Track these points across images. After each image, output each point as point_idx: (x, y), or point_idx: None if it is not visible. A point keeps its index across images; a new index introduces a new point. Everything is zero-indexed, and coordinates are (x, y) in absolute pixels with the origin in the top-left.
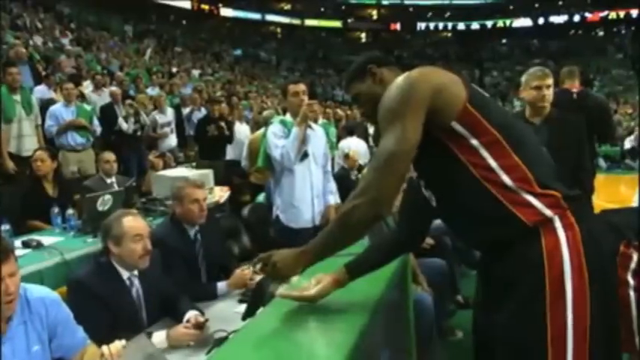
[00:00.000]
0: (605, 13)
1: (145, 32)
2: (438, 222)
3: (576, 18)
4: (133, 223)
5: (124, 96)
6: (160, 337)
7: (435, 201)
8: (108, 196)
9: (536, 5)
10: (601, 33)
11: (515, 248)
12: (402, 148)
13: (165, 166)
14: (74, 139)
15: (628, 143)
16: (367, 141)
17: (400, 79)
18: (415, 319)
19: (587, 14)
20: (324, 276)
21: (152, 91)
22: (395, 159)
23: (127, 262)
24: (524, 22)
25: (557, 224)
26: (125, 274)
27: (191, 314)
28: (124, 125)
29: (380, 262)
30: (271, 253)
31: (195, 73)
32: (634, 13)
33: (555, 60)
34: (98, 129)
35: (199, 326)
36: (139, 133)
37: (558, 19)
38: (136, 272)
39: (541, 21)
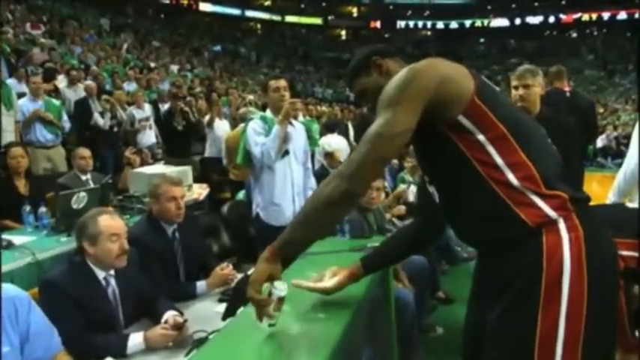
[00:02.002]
0: (579, 15)
1: (122, 26)
2: None
3: (551, 19)
4: (110, 222)
5: (100, 91)
6: (137, 338)
7: (437, 197)
8: (83, 194)
9: (513, 6)
10: (574, 34)
11: (515, 247)
12: (388, 131)
13: (143, 163)
14: (43, 135)
15: (600, 142)
16: (348, 138)
17: (405, 69)
18: (396, 316)
19: (561, 15)
20: (339, 269)
21: (129, 86)
22: (378, 141)
23: (103, 262)
24: (501, 22)
25: (561, 225)
26: (101, 274)
27: (169, 315)
28: (100, 121)
29: (396, 258)
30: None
31: (174, 68)
32: (605, 15)
33: (531, 60)
34: (67, 125)
35: (178, 327)
36: (115, 129)
37: (534, 19)
38: (112, 272)
39: (517, 21)
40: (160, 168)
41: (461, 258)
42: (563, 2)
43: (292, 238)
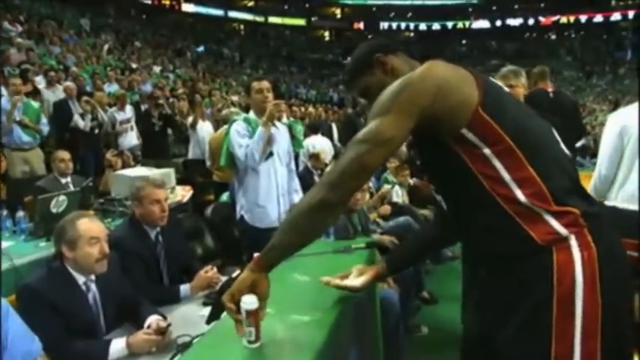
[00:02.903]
0: (557, 17)
1: (103, 26)
2: (400, 220)
3: (531, 21)
4: (89, 225)
5: (80, 92)
6: (119, 344)
7: (445, 206)
8: (62, 197)
9: (494, 8)
10: (553, 36)
11: (523, 264)
12: (373, 139)
13: (125, 165)
14: (20, 137)
15: (579, 142)
16: (332, 139)
17: (406, 75)
18: (382, 316)
19: (540, 18)
20: (365, 268)
21: (109, 87)
22: (361, 149)
23: (83, 266)
24: (482, 23)
25: (573, 242)
26: (81, 279)
27: (152, 319)
28: (80, 122)
29: (417, 257)
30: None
31: (156, 69)
32: (582, 18)
33: (512, 61)
34: (45, 128)
35: (161, 332)
36: (96, 131)
37: (514, 21)
38: (92, 277)
39: (498, 23)
40: (142, 170)
41: (446, 257)
42: (542, 5)
43: (276, 242)
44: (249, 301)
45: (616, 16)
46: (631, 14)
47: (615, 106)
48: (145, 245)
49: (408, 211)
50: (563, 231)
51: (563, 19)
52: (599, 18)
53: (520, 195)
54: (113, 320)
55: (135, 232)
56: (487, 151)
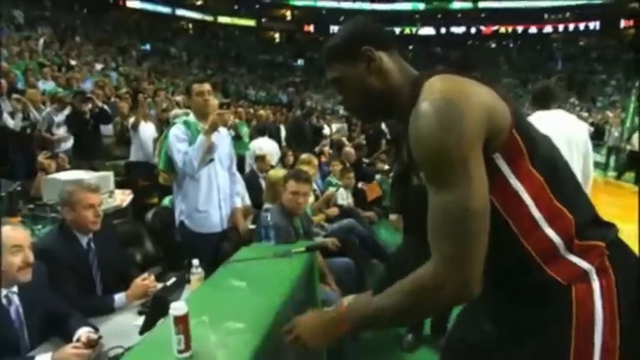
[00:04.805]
0: (497, 27)
1: (38, 19)
2: (344, 222)
3: (473, 30)
4: (11, 232)
5: (11, 89)
6: None
7: None
8: None
9: (439, 16)
10: (493, 45)
11: (539, 297)
12: (479, 205)
13: (59, 168)
14: None
15: None
16: (279, 141)
17: (435, 105)
18: None
19: (482, 27)
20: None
21: (45, 84)
22: (476, 222)
23: (4, 277)
24: (428, 30)
25: (593, 273)
26: (1, 292)
27: (82, 332)
28: (9, 122)
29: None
30: (295, 323)
31: (98, 67)
32: (519, 29)
33: (456, 67)
34: None
35: (91, 345)
36: (28, 131)
37: (458, 29)
38: (14, 289)
39: (443, 31)
40: (78, 174)
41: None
42: (483, 15)
43: (365, 326)
44: (178, 307)
45: (548, 29)
46: (561, 27)
47: None
48: (76, 253)
49: (352, 213)
50: (586, 266)
51: (502, 29)
52: (533, 29)
53: (550, 232)
54: (39, 334)
55: (64, 240)
56: (514, 182)
